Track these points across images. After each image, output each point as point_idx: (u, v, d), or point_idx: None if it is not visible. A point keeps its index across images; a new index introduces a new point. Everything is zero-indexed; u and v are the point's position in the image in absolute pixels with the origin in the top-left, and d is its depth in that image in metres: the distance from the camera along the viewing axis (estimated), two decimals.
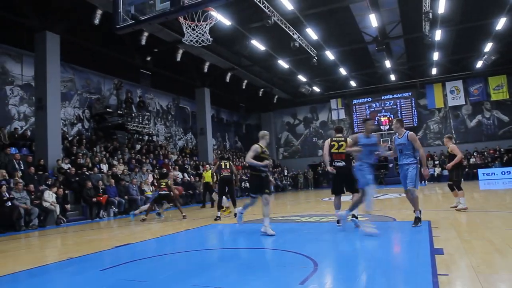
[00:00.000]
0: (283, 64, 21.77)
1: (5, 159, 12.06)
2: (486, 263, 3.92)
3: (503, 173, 22.14)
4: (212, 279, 4.00)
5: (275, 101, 29.56)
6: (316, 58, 19.62)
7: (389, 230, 6.76)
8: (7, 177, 11.16)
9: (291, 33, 16.68)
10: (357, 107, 28.58)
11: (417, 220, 6.34)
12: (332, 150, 6.83)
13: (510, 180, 20.17)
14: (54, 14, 13.25)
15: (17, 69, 15.13)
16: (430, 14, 15.14)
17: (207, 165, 15.15)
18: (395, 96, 27.58)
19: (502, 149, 24.05)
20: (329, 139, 7.02)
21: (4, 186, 10.29)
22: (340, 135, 7.04)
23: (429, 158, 25.03)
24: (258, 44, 18.35)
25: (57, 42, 13.52)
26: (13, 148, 13.07)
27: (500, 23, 17.56)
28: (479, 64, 23.35)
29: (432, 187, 19.26)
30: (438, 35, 18.36)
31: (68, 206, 11.73)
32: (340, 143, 6.81)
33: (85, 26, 14.46)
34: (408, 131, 6.69)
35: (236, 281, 3.78)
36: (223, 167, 10.02)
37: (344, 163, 6.74)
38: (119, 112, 18.57)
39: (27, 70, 15.12)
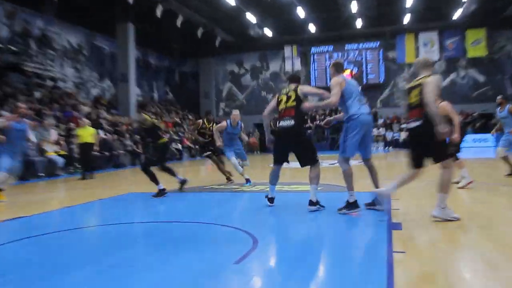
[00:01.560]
0: None
1: None
2: (447, 240, 4.23)
3: (475, 140, 23.37)
4: (131, 257, 3.98)
5: (217, 45, 29.10)
6: None
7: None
8: None
9: None
10: (315, 56, 28.97)
11: (348, 205, 5.59)
12: (280, 107, 6.07)
13: (482, 149, 21.28)
14: None
15: None
16: None
17: (83, 119, 13.94)
18: (360, 46, 28.26)
19: (475, 113, 25.54)
20: (277, 94, 6.31)
21: None
22: (293, 85, 6.14)
23: (395, 121, 26.23)
24: None
25: None
26: None
27: None
28: (458, 13, 24.20)
29: (397, 154, 20.27)
30: None
31: None
32: (288, 95, 6.02)
33: None
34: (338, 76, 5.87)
35: (160, 260, 3.78)
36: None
37: (292, 122, 5.90)
38: (12, 48, 17.47)
39: None
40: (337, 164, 5.83)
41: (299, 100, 5.95)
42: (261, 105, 30.19)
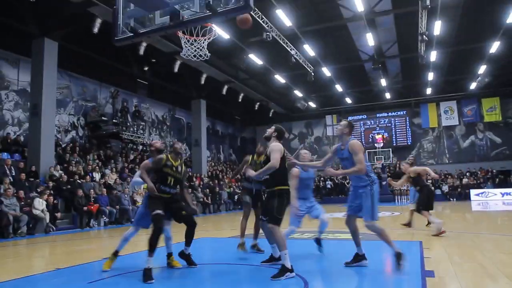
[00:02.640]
0: (279, 79, 21.91)
1: None
2: (477, 287, 3.91)
3: (495, 194, 22.21)
4: None
5: (270, 115, 29.67)
6: (312, 74, 19.79)
7: (380, 250, 6.74)
8: None
9: (288, 49, 16.84)
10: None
11: (398, 256, 4.52)
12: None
13: (502, 201, 20.25)
14: (53, 22, 13.25)
15: (13, 74, 15.09)
16: (425, 35, 15.37)
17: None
18: (390, 114, 27.87)
19: (494, 171, 24.19)
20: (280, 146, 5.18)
21: None
22: None
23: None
24: (255, 58, 18.48)
25: (55, 49, 13.52)
26: (5, 153, 12.96)
27: (494, 47, 17.88)
28: (473, 85, 23.70)
29: None
30: (433, 56, 18.61)
31: (58, 215, 11.58)
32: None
33: (83, 34, 14.48)
34: (351, 138, 4.83)
35: None
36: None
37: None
38: (114, 120, 18.50)
39: (24, 75, 15.06)
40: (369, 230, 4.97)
41: None
42: None
